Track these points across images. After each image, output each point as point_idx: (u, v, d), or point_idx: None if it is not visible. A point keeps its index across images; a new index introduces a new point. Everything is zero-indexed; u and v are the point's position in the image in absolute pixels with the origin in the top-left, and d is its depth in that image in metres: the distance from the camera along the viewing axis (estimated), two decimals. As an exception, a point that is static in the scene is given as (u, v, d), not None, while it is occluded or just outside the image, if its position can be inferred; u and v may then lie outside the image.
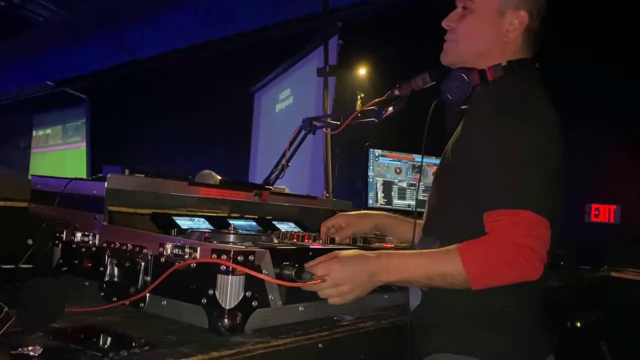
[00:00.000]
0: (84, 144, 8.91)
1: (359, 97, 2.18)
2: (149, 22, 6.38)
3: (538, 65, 1.27)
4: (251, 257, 0.98)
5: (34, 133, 10.07)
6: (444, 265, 1.05)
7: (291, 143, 2.11)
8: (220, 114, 5.94)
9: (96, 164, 7.66)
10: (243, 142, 6.07)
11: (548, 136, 1.13)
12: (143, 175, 1.37)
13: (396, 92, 1.69)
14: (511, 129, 1.10)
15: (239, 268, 0.95)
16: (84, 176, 1.54)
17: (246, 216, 1.82)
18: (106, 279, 1.17)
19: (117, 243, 1.18)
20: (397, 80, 1.79)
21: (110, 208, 1.34)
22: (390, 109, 1.76)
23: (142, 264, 1.10)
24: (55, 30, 7.67)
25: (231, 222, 1.58)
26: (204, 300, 0.98)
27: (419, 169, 2.20)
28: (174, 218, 1.51)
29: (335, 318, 1.20)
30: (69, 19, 7.48)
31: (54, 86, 8.24)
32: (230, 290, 0.95)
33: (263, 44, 5.58)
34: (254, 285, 0.99)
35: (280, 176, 2.12)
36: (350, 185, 3.04)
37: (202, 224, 1.54)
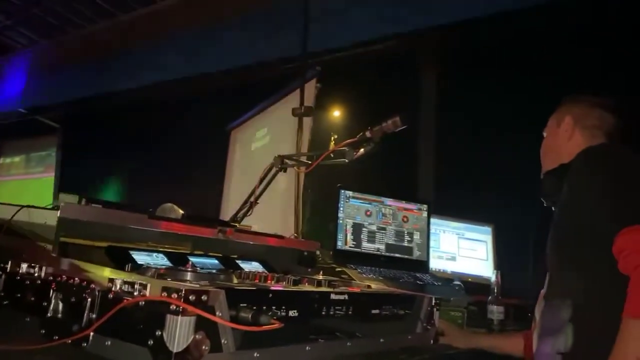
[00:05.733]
0: (45, 175, 8.65)
1: (332, 138, 2.18)
2: (129, 56, 6.40)
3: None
4: (204, 297, 0.92)
5: (0, 160, 9.81)
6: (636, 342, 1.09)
7: (261, 180, 2.08)
8: (195, 151, 5.89)
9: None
10: (217, 180, 6.00)
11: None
12: (100, 206, 1.30)
13: (368, 134, 1.70)
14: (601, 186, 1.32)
15: (189, 308, 0.89)
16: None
17: (210, 254, 1.75)
18: (49, 314, 1.09)
19: (64, 276, 1.10)
20: (371, 124, 1.80)
21: (63, 239, 1.26)
22: (362, 150, 1.75)
23: (89, 299, 1.03)
24: (33, 58, 7.62)
25: (192, 259, 1.52)
26: (151, 342, 0.91)
27: (390, 213, 2.19)
28: (131, 252, 1.43)
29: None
30: (48, 47, 7.45)
31: (27, 113, 8.08)
32: (179, 332, 0.89)
33: (242, 83, 5.62)
34: (205, 328, 0.93)
35: (249, 214, 2.07)
36: (321, 226, 2.99)
37: (160, 260, 1.47)
